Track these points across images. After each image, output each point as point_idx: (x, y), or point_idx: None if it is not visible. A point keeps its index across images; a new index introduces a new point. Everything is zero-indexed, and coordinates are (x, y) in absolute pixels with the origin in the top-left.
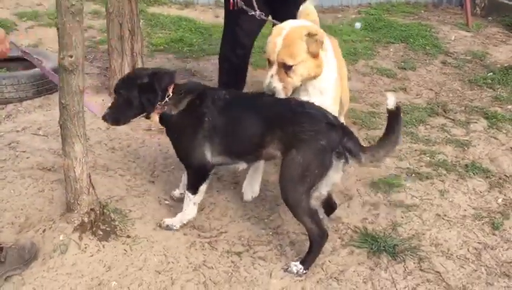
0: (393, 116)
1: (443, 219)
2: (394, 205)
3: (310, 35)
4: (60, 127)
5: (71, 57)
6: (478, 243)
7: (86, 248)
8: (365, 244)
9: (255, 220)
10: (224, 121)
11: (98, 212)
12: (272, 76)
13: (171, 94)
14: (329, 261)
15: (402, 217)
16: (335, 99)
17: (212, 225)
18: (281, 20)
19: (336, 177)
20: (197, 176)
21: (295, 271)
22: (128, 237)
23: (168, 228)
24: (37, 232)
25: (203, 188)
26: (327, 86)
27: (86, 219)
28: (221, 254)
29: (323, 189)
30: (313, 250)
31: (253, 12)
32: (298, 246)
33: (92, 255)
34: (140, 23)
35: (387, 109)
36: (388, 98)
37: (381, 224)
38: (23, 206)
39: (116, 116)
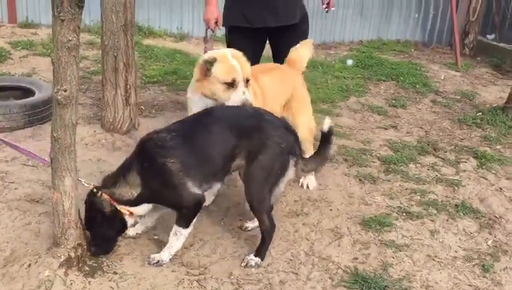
0: (326, 136)
1: (434, 259)
2: (385, 245)
3: None
4: (51, 160)
5: (65, 91)
6: (469, 285)
7: (71, 284)
8: (355, 285)
9: (244, 257)
10: (191, 150)
11: (85, 247)
12: None
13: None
14: None
15: (393, 257)
16: None
17: (201, 262)
18: (277, 50)
19: (291, 174)
20: (192, 212)
21: (254, 264)
22: (115, 273)
23: (157, 263)
24: (22, 267)
25: (195, 220)
26: None
27: (72, 254)
28: None
29: (282, 186)
30: (266, 242)
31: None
32: (288, 285)
33: None
34: (135, 55)
35: (321, 132)
36: (324, 122)
37: (372, 264)
38: (9, 239)
39: (103, 249)
